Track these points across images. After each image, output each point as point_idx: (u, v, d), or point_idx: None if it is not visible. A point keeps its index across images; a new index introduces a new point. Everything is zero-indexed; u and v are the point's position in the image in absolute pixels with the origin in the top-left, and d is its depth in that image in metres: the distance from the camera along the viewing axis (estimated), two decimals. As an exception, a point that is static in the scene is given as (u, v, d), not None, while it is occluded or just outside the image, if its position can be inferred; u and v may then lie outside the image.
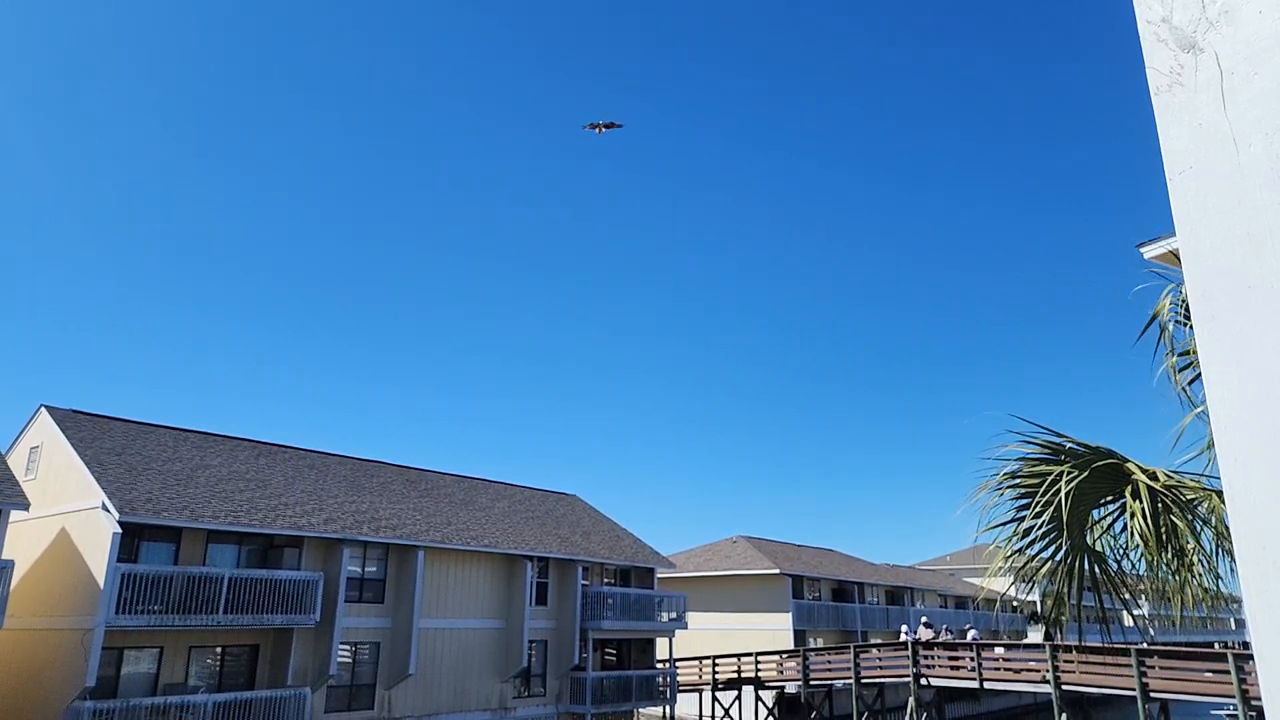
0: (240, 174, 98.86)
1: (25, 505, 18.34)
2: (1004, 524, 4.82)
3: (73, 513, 19.76)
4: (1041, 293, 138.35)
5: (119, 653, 18.59)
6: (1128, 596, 4.86)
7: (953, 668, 29.48)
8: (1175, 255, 5.86)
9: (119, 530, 17.98)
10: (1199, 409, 5.05)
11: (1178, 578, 4.69)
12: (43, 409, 22.54)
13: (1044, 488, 4.53)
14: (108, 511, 18.42)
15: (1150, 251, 6.41)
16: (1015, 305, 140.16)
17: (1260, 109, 1.44)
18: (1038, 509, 4.59)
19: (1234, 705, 22.29)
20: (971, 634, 35.57)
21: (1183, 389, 5.19)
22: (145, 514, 18.69)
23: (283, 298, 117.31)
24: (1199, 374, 5.14)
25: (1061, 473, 4.54)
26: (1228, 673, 22.16)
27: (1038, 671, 26.90)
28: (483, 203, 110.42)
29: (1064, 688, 25.64)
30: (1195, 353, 5.19)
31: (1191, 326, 5.31)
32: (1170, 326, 5.33)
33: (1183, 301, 5.34)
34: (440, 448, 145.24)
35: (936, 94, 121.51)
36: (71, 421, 22.26)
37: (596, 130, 14.78)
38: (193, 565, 19.54)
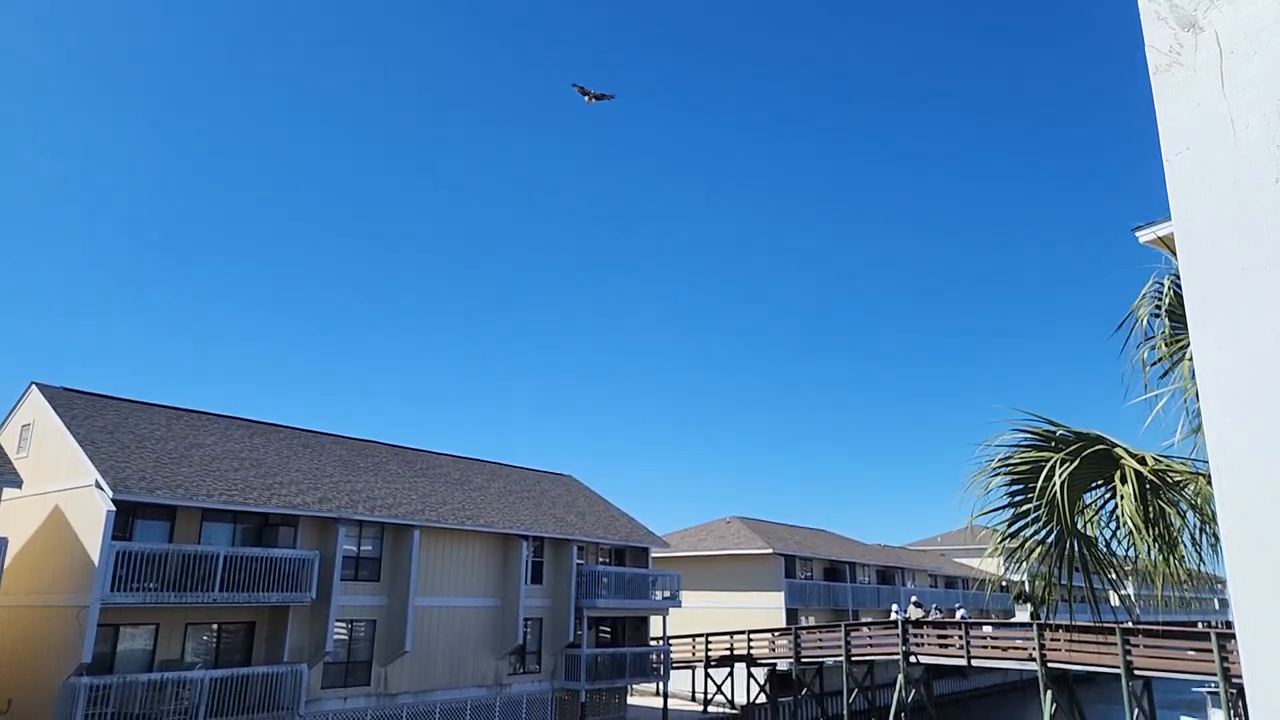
0: (242, 170, 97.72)
1: (18, 483, 18.30)
2: (998, 509, 4.88)
3: (66, 490, 19.72)
4: (1038, 272, 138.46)
5: (115, 629, 18.67)
6: (1114, 577, 4.92)
7: (941, 645, 29.89)
8: (1163, 241, 5.85)
9: (113, 508, 17.97)
10: (1165, 394, 5.06)
11: (1163, 558, 4.75)
12: (34, 386, 22.39)
13: (1040, 478, 4.56)
14: (101, 489, 18.39)
15: (1145, 236, 6.40)
16: (1009, 284, 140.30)
17: (1259, 89, 1.43)
18: (1032, 497, 4.64)
19: (1215, 682, 22.70)
20: (960, 613, 36.04)
21: (1146, 384, 5.20)
22: (139, 492, 18.67)
23: (280, 285, 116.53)
24: (1169, 368, 5.17)
25: (1054, 461, 4.58)
26: (1210, 651, 22.54)
27: (1024, 649, 27.30)
28: (477, 197, 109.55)
29: (1049, 665, 26.04)
30: (1168, 344, 5.21)
31: (1161, 318, 5.33)
32: (1145, 318, 5.33)
33: (1159, 292, 5.33)
34: (436, 428, 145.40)
35: (934, 76, 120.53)
36: (63, 399, 22.14)
37: (586, 98, 14.39)
38: (188, 543, 19.57)
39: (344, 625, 22.65)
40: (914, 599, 36.61)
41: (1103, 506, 4.95)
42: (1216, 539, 4.70)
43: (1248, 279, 1.39)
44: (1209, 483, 4.60)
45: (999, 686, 45.35)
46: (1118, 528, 4.82)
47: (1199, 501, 4.72)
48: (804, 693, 34.01)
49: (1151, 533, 4.63)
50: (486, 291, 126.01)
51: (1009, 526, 4.91)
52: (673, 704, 31.86)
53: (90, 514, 18.46)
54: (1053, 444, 4.80)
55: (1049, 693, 25.51)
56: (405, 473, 27.91)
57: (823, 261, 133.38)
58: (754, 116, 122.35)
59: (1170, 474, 4.70)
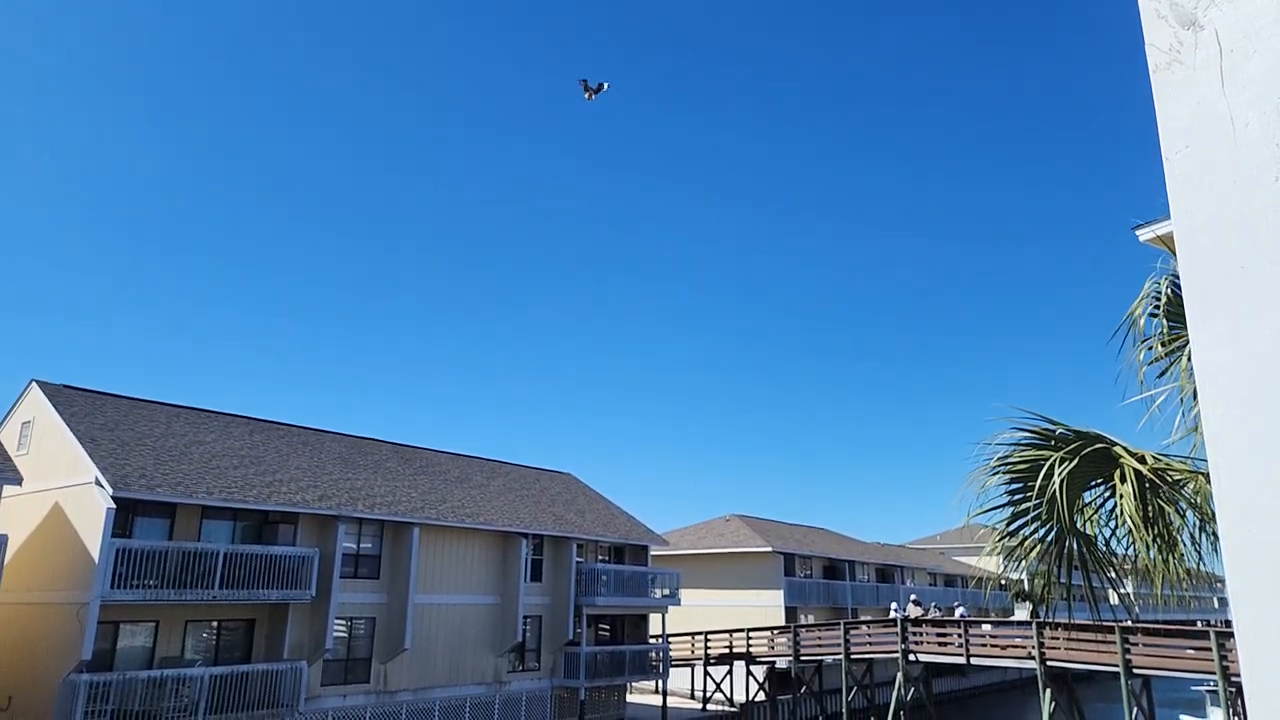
0: (242, 170, 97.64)
1: (18, 480, 18.30)
2: (997, 508, 4.88)
3: (66, 488, 19.73)
4: (1038, 272, 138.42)
5: (115, 626, 18.69)
6: (1114, 575, 4.92)
7: (940, 644, 29.92)
8: (1163, 240, 5.84)
9: (113, 505, 17.98)
10: (1162, 393, 5.06)
11: (1162, 557, 4.75)
12: (34, 384, 22.39)
13: (1039, 477, 4.55)
14: (101, 487, 18.40)
15: (1145, 235, 6.39)
16: (1010, 284, 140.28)
17: (1258, 88, 1.43)
18: (1031, 496, 4.63)
19: (1214, 681, 22.72)
20: (959, 611, 36.06)
21: (1142, 383, 5.18)
22: (139, 490, 18.67)
23: (280, 285, 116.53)
24: (1166, 368, 5.17)
25: (1054, 460, 4.57)
26: (1209, 649, 22.55)
27: (1023, 648, 27.32)
28: (477, 197, 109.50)
29: (1049, 663, 26.06)
30: (1165, 344, 5.21)
31: (1160, 318, 5.32)
32: (1143, 317, 5.32)
33: (1158, 293, 5.32)
34: (436, 427, 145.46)
35: (934, 76, 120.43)
36: (63, 397, 22.14)
37: (587, 95, 14.59)
38: (187, 540, 19.58)
39: (344, 623, 22.67)
40: (913, 597, 36.63)
41: (1102, 505, 4.94)
42: (1215, 538, 4.69)
43: (1247, 277, 1.39)
44: (1208, 481, 4.59)
45: (998, 685, 45.40)
46: (1117, 526, 4.82)
47: (1198, 500, 4.72)
48: (803, 691, 34.03)
49: (1151, 531, 4.63)
50: (486, 291, 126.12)
51: (1008, 525, 4.91)
52: (672, 702, 31.89)
53: (90, 511, 18.47)
54: (1052, 443, 4.80)
55: (1048, 691, 25.53)
56: (405, 470, 27.92)
57: (823, 261, 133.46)
58: (754, 116, 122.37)
59: (1169, 473, 4.70)
